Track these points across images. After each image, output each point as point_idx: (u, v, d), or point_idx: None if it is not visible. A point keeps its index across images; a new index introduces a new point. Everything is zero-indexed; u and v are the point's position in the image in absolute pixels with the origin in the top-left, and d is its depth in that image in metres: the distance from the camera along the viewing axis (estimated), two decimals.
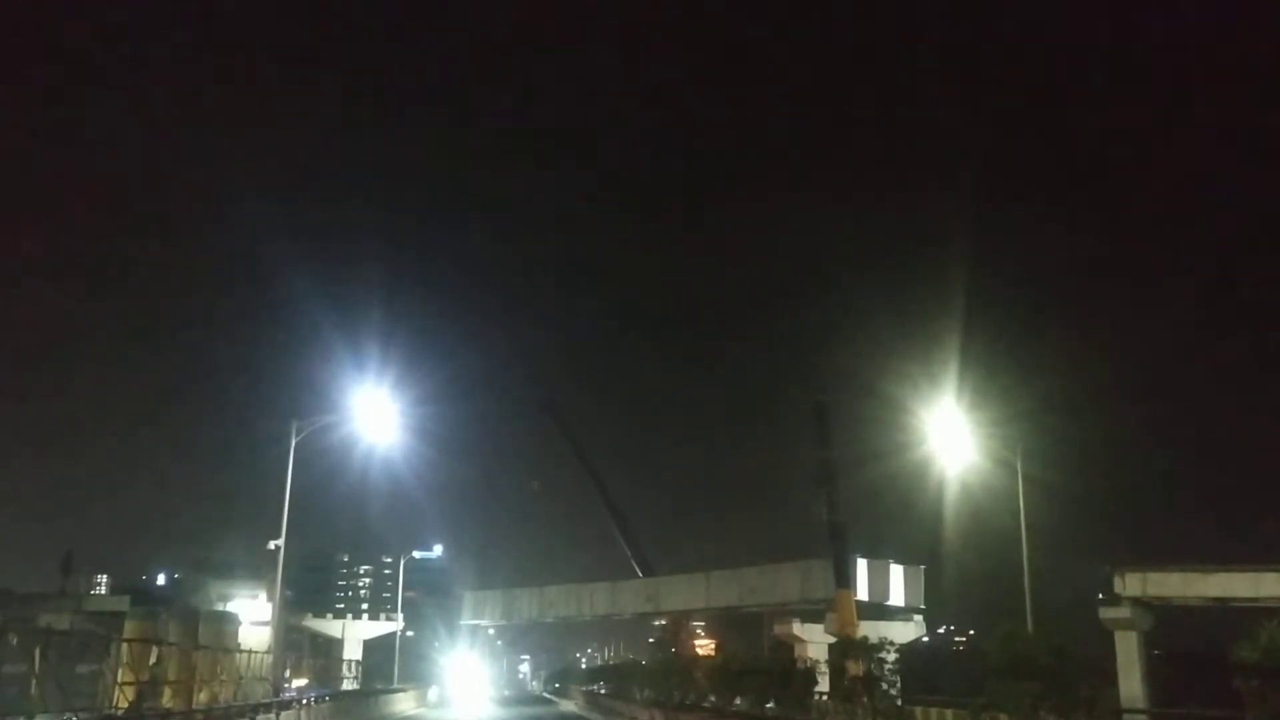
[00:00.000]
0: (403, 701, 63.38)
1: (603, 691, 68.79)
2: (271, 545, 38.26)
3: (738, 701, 34.66)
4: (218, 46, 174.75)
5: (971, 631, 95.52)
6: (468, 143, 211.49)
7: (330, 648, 77.24)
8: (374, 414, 39.20)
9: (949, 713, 31.16)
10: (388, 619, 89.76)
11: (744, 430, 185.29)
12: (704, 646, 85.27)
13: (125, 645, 28.36)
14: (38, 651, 21.88)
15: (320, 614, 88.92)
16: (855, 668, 27.17)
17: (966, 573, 66.69)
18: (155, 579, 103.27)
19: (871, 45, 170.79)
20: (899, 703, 28.98)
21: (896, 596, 53.50)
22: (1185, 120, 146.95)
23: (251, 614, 59.51)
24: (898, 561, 54.62)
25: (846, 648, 28.77)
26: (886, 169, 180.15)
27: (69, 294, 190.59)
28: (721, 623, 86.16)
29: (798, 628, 53.54)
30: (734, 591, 59.44)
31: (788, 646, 51.21)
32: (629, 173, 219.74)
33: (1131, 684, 35.34)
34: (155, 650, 31.12)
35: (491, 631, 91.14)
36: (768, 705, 32.82)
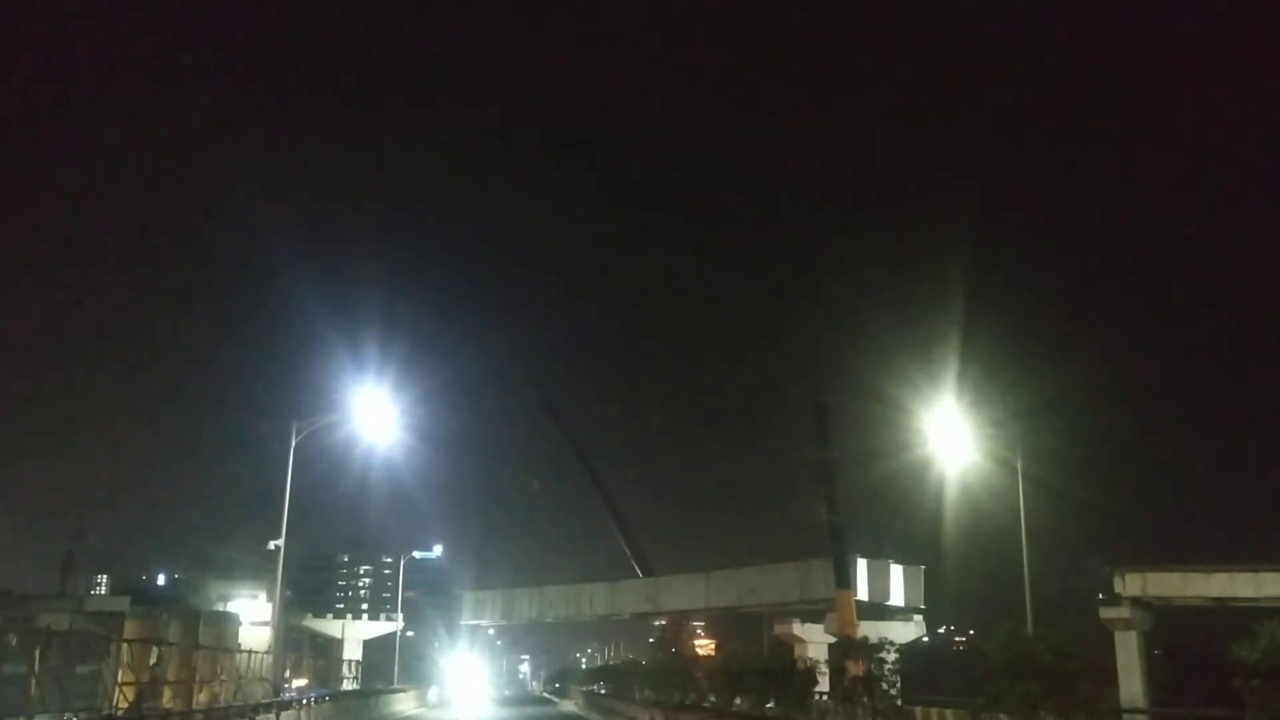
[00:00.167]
0: (403, 702, 63.38)
1: (603, 692, 68.81)
2: (271, 545, 38.28)
3: (738, 701, 34.64)
4: (217, 46, 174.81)
5: (971, 631, 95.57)
6: (468, 142, 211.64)
7: (330, 648, 77.29)
8: (374, 414, 39.21)
9: (949, 713, 31.15)
10: (388, 619, 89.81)
11: (744, 430, 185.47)
12: (704, 646, 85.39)
13: (125, 645, 28.37)
14: (37, 652, 21.86)
15: (320, 614, 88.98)
16: (855, 668, 27.14)
17: (966, 573, 66.76)
18: (155, 579, 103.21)
19: (872, 46, 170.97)
20: (899, 703, 28.96)
21: (896, 596, 53.50)
22: (1186, 120, 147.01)
23: (251, 614, 59.57)
24: (898, 561, 54.62)
25: (846, 648, 28.74)
26: (887, 169, 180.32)
27: (68, 294, 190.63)
28: (721, 623, 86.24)
29: (798, 628, 53.54)
30: (734, 591, 59.46)
31: (788, 646, 51.21)
32: (629, 172, 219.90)
33: (1131, 684, 35.36)
34: (155, 650, 31.14)
35: (491, 632, 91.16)
36: (768, 705, 32.80)
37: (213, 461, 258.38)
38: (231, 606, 63.76)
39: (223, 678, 35.53)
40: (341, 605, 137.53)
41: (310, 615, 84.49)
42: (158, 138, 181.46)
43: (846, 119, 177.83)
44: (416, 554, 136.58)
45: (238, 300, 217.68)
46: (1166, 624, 39.18)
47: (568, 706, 75.60)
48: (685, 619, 74.94)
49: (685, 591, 63.16)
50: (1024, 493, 36.43)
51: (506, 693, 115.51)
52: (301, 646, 72.54)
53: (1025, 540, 36.51)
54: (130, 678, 26.76)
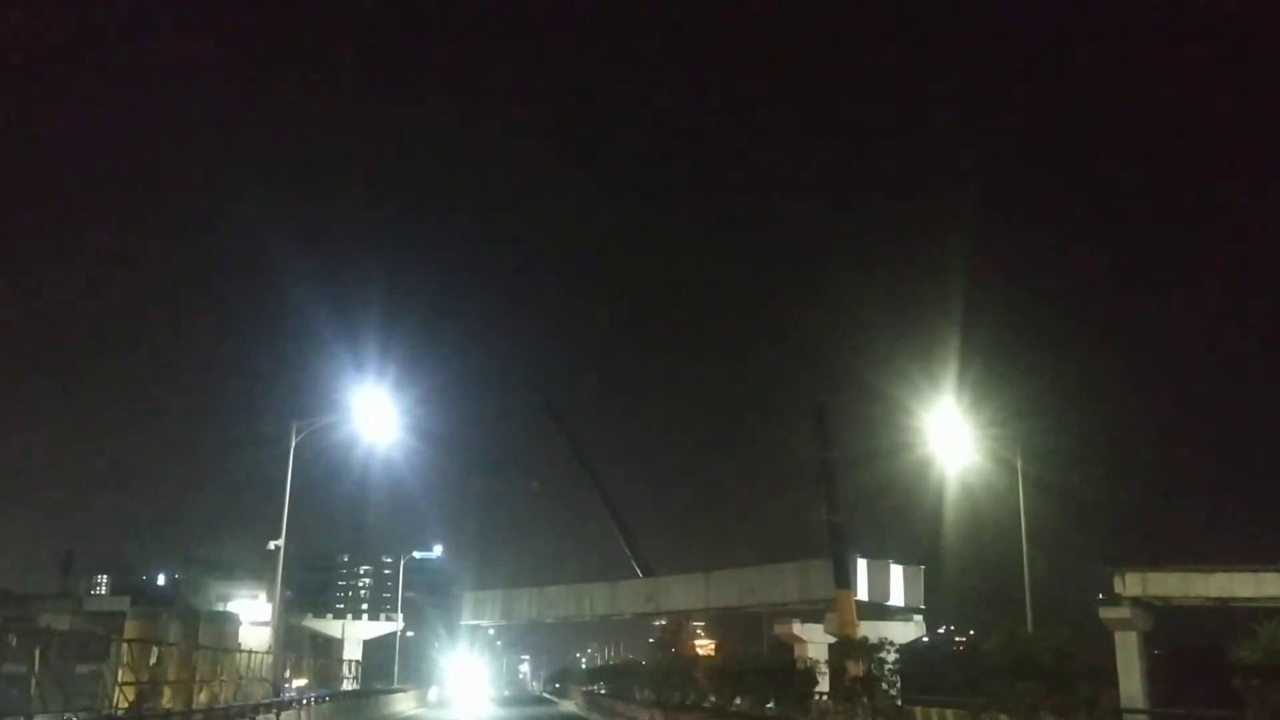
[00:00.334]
0: (403, 702, 63.40)
1: (603, 692, 68.79)
2: (271, 545, 38.39)
3: (738, 702, 34.63)
4: (217, 45, 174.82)
5: (971, 631, 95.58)
6: (468, 142, 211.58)
7: (330, 648, 77.34)
8: (374, 414, 39.23)
9: (949, 713, 31.14)
10: (388, 619, 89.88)
11: (744, 430, 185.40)
12: (704, 646, 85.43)
13: (125, 645, 28.37)
14: (38, 652, 21.88)
15: (320, 614, 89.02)
16: (855, 668, 27.16)
17: (966, 573, 66.78)
18: (155, 579, 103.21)
19: (873, 46, 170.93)
20: (899, 703, 28.97)
21: (896, 596, 53.50)
22: (1186, 119, 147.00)
23: (251, 614, 59.62)
24: (898, 561, 54.61)
25: (846, 648, 28.76)
26: (887, 169, 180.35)
27: (68, 293, 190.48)
28: (721, 623, 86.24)
29: (798, 628, 53.53)
30: (734, 592, 59.47)
31: (788, 646, 51.21)
32: (630, 172, 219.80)
33: (1131, 684, 35.38)
34: (155, 650, 31.15)
35: (491, 632, 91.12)
36: (768, 705, 32.80)
37: (213, 461, 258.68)
38: (231, 606, 63.80)
39: (223, 678, 35.52)
40: (341, 605, 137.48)
41: (310, 615, 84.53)
42: (157, 137, 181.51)
43: (846, 119, 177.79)
44: (416, 554, 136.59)
45: (238, 300, 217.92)
46: (1166, 624, 39.19)
47: (568, 706, 75.61)
48: (685, 619, 74.95)
49: (685, 591, 63.16)
50: (1024, 493, 36.47)
51: (506, 693, 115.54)
52: (301, 646, 72.58)
53: (1025, 540, 36.54)
54: (130, 678, 26.75)
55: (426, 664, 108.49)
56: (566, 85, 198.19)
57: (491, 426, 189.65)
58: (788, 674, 32.51)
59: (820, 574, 51.16)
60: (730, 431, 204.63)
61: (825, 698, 32.48)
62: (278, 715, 32.65)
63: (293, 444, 36.59)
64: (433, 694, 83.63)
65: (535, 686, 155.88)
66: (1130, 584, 36.53)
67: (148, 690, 28.88)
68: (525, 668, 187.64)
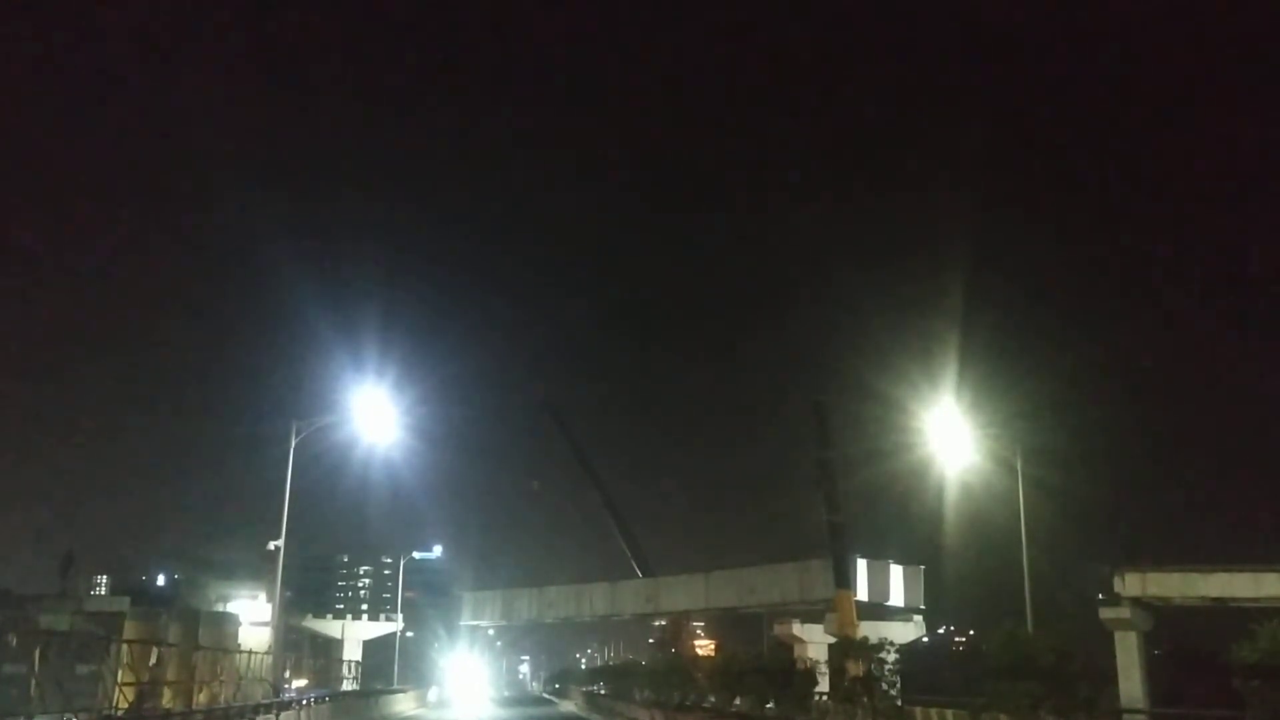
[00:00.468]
0: (402, 702, 63.39)
1: (602, 692, 68.80)
2: (271, 546, 38.44)
3: (738, 702, 34.65)
4: (217, 45, 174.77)
5: (971, 631, 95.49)
6: (468, 142, 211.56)
7: (330, 648, 77.32)
8: (373, 414, 39.23)
9: (949, 713, 31.15)
10: (387, 619, 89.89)
11: (744, 430, 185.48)
12: (704, 647, 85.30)
13: (125, 646, 28.35)
14: (38, 652, 21.89)
15: (320, 615, 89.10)
16: (855, 668, 27.18)
17: (966, 573, 66.72)
18: (155, 579, 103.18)
19: (872, 46, 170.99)
20: (899, 703, 28.98)
21: (896, 597, 53.48)
22: (1185, 119, 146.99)
23: (251, 614, 59.58)
24: (898, 561, 54.59)
25: (846, 648, 28.79)
26: (886, 169, 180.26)
27: (68, 293, 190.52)
28: (721, 623, 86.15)
29: (798, 628, 53.51)
30: (733, 592, 59.45)
31: (787, 647, 51.20)
32: (629, 172, 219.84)
33: (1131, 684, 35.35)
34: (155, 651, 31.14)
35: (491, 632, 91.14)
36: (768, 706, 32.81)
37: (213, 462, 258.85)
38: (231, 607, 63.77)
39: (222, 678, 35.51)
40: (341, 606, 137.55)
41: (310, 616, 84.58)
42: (157, 138, 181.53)
43: (846, 119, 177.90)
44: (416, 554, 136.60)
45: (238, 300, 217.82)
46: (1166, 624, 39.17)
47: (567, 707, 75.59)
48: (685, 619, 74.76)
49: (685, 592, 63.14)
50: (1024, 493, 36.46)
51: (506, 693, 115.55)
52: (301, 647, 72.64)
53: (1025, 540, 36.53)
54: (130, 678, 26.74)
55: (426, 664, 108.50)
56: (566, 85, 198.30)
57: (491, 426, 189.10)
58: (788, 674, 32.54)
59: (820, 574, 51.15)
60: (730, 431, 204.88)
61: (825, 698, 32.49)
62: (277, 715, 32.65)
63: (292, 444, 36.59)
64: (432, 694, 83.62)
65: (535, 687, 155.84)
66: (1130, 584, 36.49)
67: (147, 691, 28.88)
68: (525, 668, 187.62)
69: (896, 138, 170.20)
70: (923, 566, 56.27)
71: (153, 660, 30.32)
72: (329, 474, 54.83)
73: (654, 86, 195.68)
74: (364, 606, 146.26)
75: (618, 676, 68.08)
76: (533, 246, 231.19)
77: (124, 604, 57.61)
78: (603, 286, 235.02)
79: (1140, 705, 34.30)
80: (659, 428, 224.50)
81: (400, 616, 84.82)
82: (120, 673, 26.46)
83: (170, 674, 32.43)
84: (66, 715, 22.41)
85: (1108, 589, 37.51)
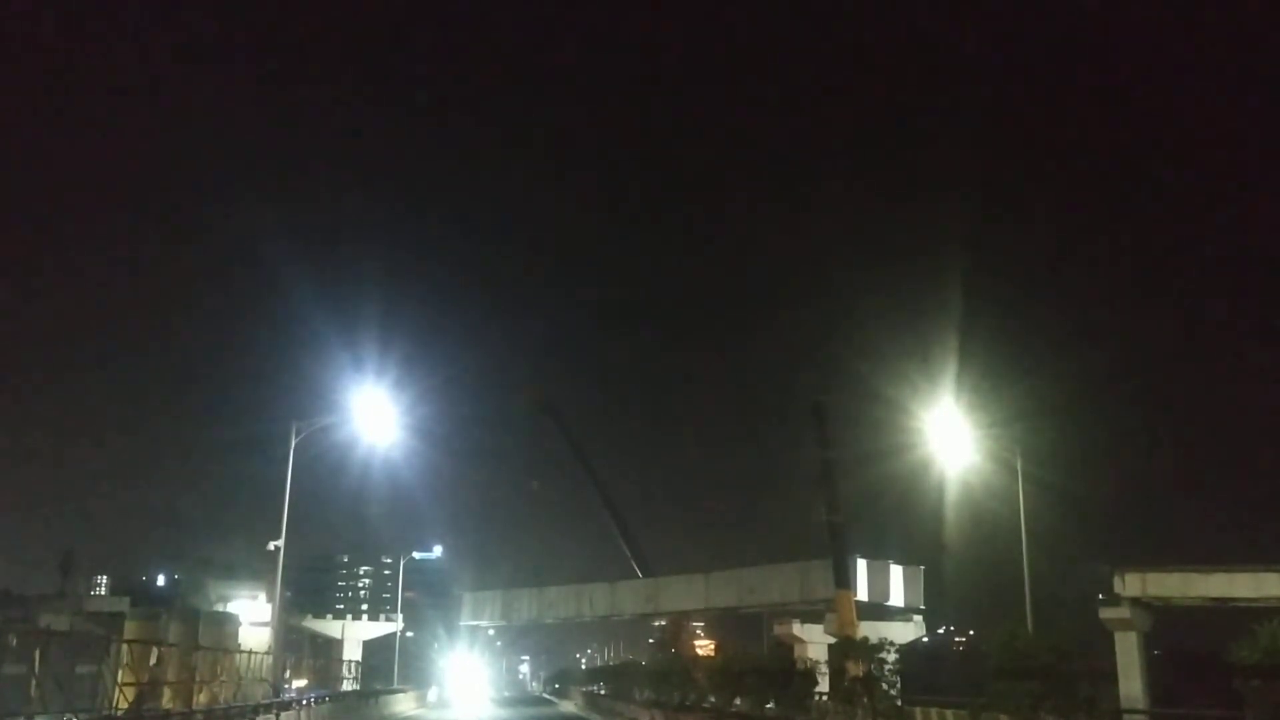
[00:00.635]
0: (402, 702, 63.39)
1: (602, 692, 68.77)
2: (271, 546, 38.30)
3: (737, 702, 34.62)
4: (216, 46, 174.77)
5: (971, 631, 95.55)
6: (468, 142, 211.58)
7: (330, 648, 77.23)
8: (373, 414, 39.23)
9: (949, 713, 31.15)
10: (387, 620, 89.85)
11: (744, 430, 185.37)
12: (704, 647, 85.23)
13: (125, 646, 28.34)
14: (38, 652, 21.88)
15: (320, 615, 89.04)
16: (855, 668, 27.16)
17: (966, 573, 66.72)
18: (155, 579, 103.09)
19: (871, 47, 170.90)
20: (899, 703, 28.97)
21: (896, 597, 53.47)
22: (1184, 119, 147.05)
23: (251, 615, 59.56)
24: (898, 562, 54.58)
25: (846, 648, 28.76)
26: (886, 170, 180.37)
27: (68, 294, 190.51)
28: (721, 623, 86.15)
29: (798, 628, 53.51)
30: (733, 592, 59.41)
31: (788, 647, 51.18)
32: (630, 173, 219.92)
33: (1131, 684, 35.35)
34: (155, 651, 31.12)
35: (491, 632, 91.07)
36: (768, 706, 32.79)
37: (213, 462, 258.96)
38: (231, 607, 63.74)
39: (222, 678, 35.51)
40: (341, 606, 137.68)
41: (310, 616, 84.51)
42: (156, 139, 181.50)
43: (845, 119, 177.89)
44: (416, 554, 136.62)
45: (238, 300, 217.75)
46: (1166, 624, 39.16)
47: (567, 707, 75.57)
48: (685, 619, 74.69)
49: (685, 592, 63.11)
50: (1024, 493, 36.48)
51: (506, 693, 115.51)
52: (301, 647, 72.50)
53: (1025, 540, 36.55)
54: (130, 678, 26.75)
55: (426, 664, 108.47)
56: (566, 85, 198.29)
57: (491, 426, 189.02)
58: (788, 674, 32.51)
59: (820, 574, 51.13)
60: (730, 431, 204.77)
61: (825, 698, 32.48)
62: (277, 716, 32.65)
63: (292, 445, 36.60)
64: (432, 694, 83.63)
65: (535, 687, 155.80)
66: (1130, 584, 36.49)
67: (147, 691, 28.87)
68: (525, 668, 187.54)
69: (897, 138, 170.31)
70: (923, 566, 56.25)
71: (153, 660, 30.30)
72: (329, 474, 54.93)
73: (654, 87, 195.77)
74: (364, 606, 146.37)
75: (617, 677, 68.04)
76: (533, 246, 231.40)
77: (124, 604, 57.59)
78: (603, 287, 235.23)
79: (1140, 705, 34.32)
80: (659, 428, 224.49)
81: (400, 616, 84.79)
82: (120, 673, 26.46)
83: (170, 674, 32.39)
84: (66, 715, 22.40)
85: (1108, 589, 37.51)
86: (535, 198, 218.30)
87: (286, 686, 46.83)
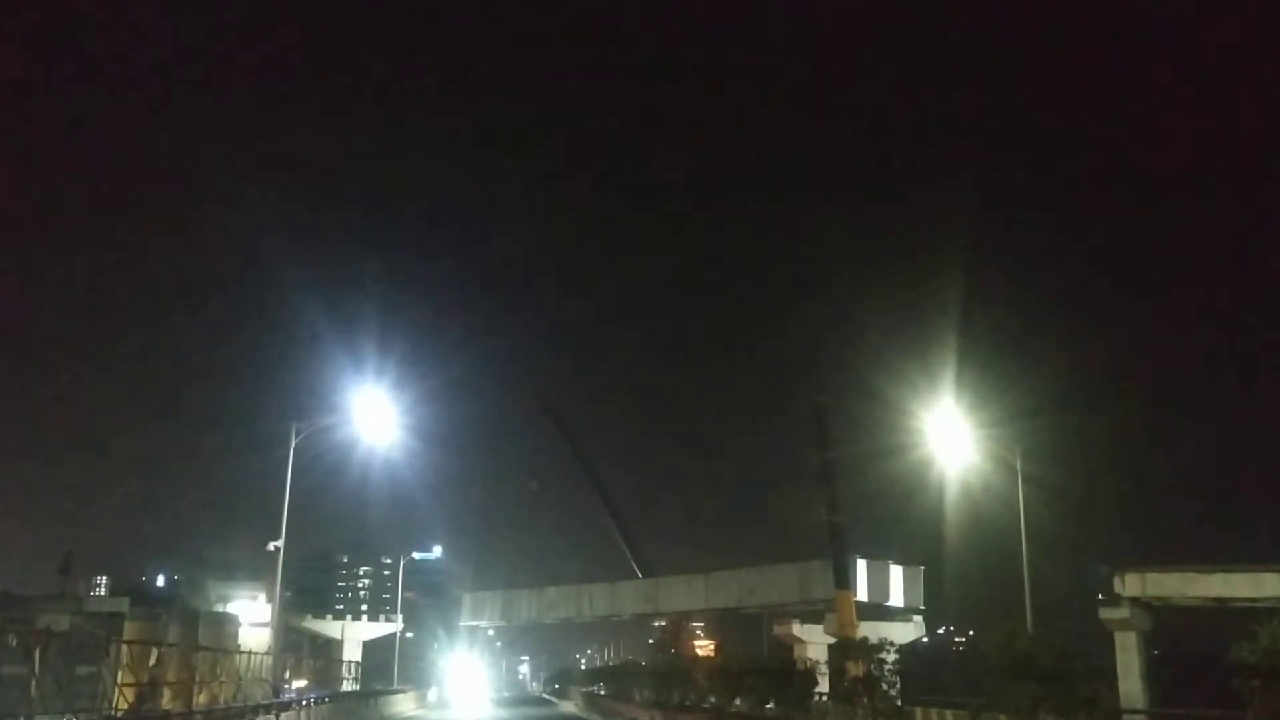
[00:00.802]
0: (402, 703, 63.37)
1: (602, 693, 68.76)
2: (271, 546, 38.29)
3: (737, 702, 34.60)
4: (215, 47, 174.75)
5: (971, 631, 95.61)
6: (467, 143, 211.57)
7: (330, 649, 77.27)
8: (373, 415, 39.22)
9: (949, 713, 31.15)
10: (387, 620, 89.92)
11: (744, 430, 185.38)
12: (704, 647, 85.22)
13: (125, 647, 28.31)
14: (37, 653, 21.82)
15: (320, 615, 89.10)
16: (855, 668, 27.14)
17: (966, 573, 66.81)
18: (155, 580, 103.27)
19: (870, 49, 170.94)
20: (899, 703, 28.94)
21: (896, 597, 53.47)
22: (1184, 119, 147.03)
23: (251, 615, 59.61)
24: (898, 562, 54.59)
25: (846, 648, 28.73)
26: (885, 171, 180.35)
27: (67, 295, 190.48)
28: (721, 623, 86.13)
29: (797, 628, 53.51)
30: (733, 592, 59.40)
31: (787, 647, 51.19)
32: (630, 174, 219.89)
33: (1131, 684, 35.33)
34: (155, 652, 31.09)
35: (491, 633, 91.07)
36: (768, 706, 32.78)
37: (212, 462, 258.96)
38: (231, 607, 63.76)
39: (222, 679, 35.46)
40: (341, 606, 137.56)
41: (310, 616, 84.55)
42: (156, 139, 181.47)
43: (845, 120, 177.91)
44: (416, 555, 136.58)
45: (238, 301, 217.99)
46: (1166, 624, 39.15)
47: (567, 707, 75.56)
48: (685, 620, 74.75)
49: (685, 592, 63.10)
50: (1024, 493, 36.47)
51: (506, 694, 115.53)
52: (301, 647, 72.51)
53: (1025, 540, 36.54)
54: (130, 679, 26.71)
55: (426, 665, 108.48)
56: (565, 86, 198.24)
57: (491, 426, 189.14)
58: (787, 675, 32.49)
59: (820, 574, 51.13)
60: (730, 432, 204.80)
61: (825, 698, 32.46)
62: (277, 716, 32.63)
63: (292, 445, 36.59)
64: (432, 695, 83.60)
65: (535, 687, 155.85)
66: (1130, 584, 36.47)
67: (147, 691, 28.84)
68: (525, 668, 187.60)
69: (896, 139, 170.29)
70: (923, 566, 56.26)
71: (152, 661, 30.27)
72: (329, 474, 54.90)
73: (654, 87, 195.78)
74: (364, 607, 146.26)
75: (617, 677, 68.03)
76: (533, 246, 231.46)
77: (124, 604, 57.62)
78: (603, 287, 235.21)
79: (1140, 705, 34.29)
80: (659, 428, 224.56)
81: (400, 617, 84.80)
82: (120, 673, 26.42)
83: (170, 675, 32.36)
84: (66, 716, 22.36)
85: (1108, 589, 37.50)
86: (535, 198, 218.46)
87: (286, 687, 46.79)
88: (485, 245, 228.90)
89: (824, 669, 33.06)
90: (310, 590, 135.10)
